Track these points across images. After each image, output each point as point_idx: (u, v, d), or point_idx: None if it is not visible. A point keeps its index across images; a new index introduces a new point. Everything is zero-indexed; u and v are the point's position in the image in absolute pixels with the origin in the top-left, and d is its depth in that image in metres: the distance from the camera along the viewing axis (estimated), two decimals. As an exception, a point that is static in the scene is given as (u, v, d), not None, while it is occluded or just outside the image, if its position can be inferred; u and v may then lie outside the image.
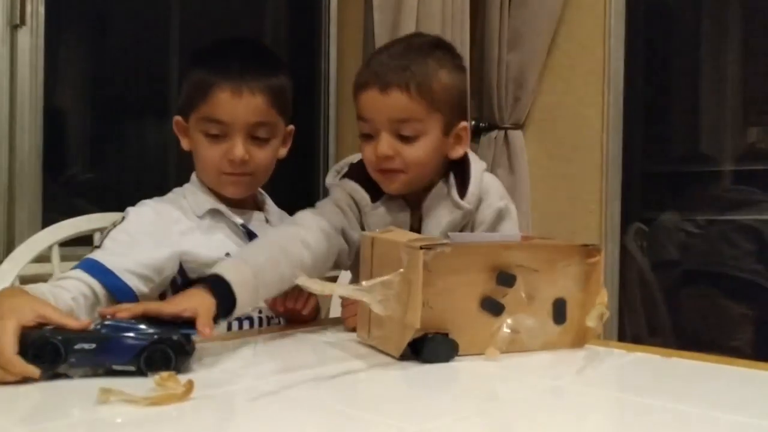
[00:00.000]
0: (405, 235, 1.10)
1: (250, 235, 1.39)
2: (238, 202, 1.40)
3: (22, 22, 1.61)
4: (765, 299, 2.34)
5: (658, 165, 2.60)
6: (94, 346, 0.90)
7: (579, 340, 1.10)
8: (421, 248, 0.98)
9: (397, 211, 1.33)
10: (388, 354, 1.03)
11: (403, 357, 1.01)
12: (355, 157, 1.42)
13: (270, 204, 1.48)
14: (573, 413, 0.85)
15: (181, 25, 2.14)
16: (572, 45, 2.37)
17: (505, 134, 2.37)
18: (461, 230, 1.33)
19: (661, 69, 2.62)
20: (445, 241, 1.02)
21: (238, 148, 1.31)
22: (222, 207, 1.37)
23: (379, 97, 1.26)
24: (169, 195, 1.40)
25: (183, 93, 1.38)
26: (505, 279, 1.04)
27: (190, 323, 0.98)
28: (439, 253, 0.99)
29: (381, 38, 2.14)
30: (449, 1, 2.21)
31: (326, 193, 1.42)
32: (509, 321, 1.05)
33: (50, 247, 1.48)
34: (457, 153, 1.33)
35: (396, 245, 1.03)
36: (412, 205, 1.34)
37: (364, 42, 2.20)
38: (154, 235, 1.30)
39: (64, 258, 1.52)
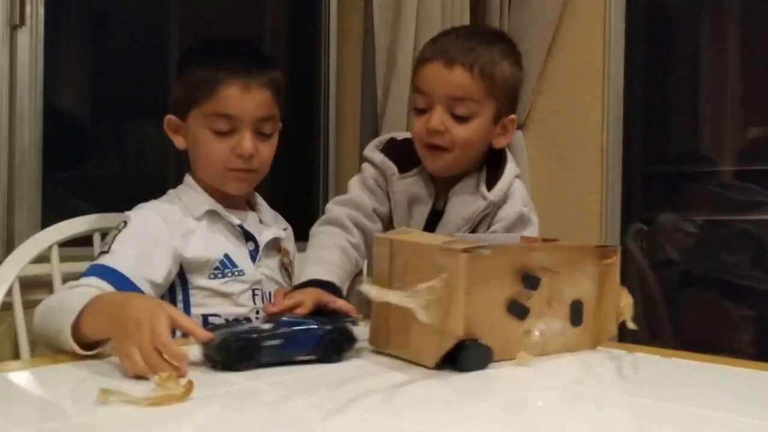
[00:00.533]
0: (427, 237, 1.07)
1: (247, 236, 1.39)
2: (233, 203, 1.41)
3: (22, 22, 1.61)
4: (765, 299, 2.34)
5: (658, 165, 2.60)
6: (280, 341, 0.98)
7: (594, 342, 1.11)
8: (463, 251, 0.93)
9: (423, 187, 1.38)
10: (410, 362, 0.99)
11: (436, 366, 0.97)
12: (399, 134, 1.47)
13: (262, 203, 1.49)
14: (578, 414, 0.85)
15: (181, 25, 2.14)
16: (572, 45, 2.37)
17: (505, 134, 2.37)
18: (480, 221, 1.36)
19: (661, 69, 2.62)
20: (483, 243, 0.97)
21: (248, 142, 1.32)
22: (219, 208, 1.37)
23: (443, 71, 1.30)
24: (166, 197, 1.40)
25: (178, 92, 1.38)
26: (531, 281, 1.01)
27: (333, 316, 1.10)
28: (476, 257, 0.94)
29: (381, 39, 2.14)
30: (449, 2, 2.21)
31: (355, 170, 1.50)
32: (540, 324, 1.02)
33: (50, 248, 1.48)
34: (500, 143, 1.39)
35: (424, 248, 0.98)
36: (439, 188, 1.39)
37: (364, 42, 2.19)
38: (160, 239, 1.29)
39: (64, 258, 1.52)
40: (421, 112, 1.33)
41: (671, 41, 2.66)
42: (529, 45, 2.35)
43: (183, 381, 0.82)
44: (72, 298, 1.06)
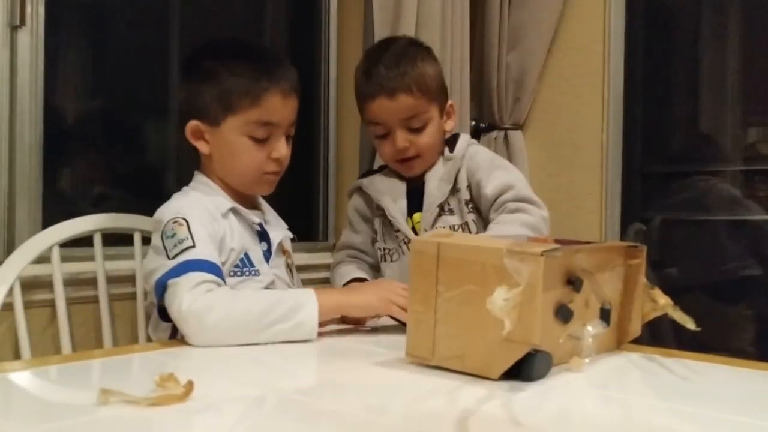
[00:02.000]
0: (477, 240, 1.05)
1: (262, 236, 1.39)
2: (244, 202, 1.41)
3: (22, 22, 1.61)
4: (765, 299, 2.34)
5: (658, 165, 2.60)
6: None
7: (618, 342, 1.11)
8: (542, 254, 0.87)
9: (392, 178, 1.64)
10: (451, 370, 0.94)
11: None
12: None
13: (264, 203, 1.50)
14: (573, 414, 0.85)
15: (181, 25, 2.14)
16: (572, 45, 2.37)
17: (505, 135, 2.37)
18: (456, 178, 1.57)
19: (661, 69, 2.62)
20: (554, 246, 0.93)
21: (285, 146, 1.37)
22: (238, 206, 1.38)
23: (388, 103, 1.51)
24: (192, 194, 1.38)
25: (208, 99, 1.34)
26: (576, 284, 0.97)
27: None
28: (550, 259, 0.89)
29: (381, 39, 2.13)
30: (449, 2, 2.20)
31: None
32: (591, 328, 1.01)
33: (51, 248, 1.48)
34: (450, 126, 1.63)
35: (485, 252, 0.92)
36: (411, 178, 1.62)
37: (364, 43, 2.19)
38: (215, 235, 1.30)
39: (64, 259, 1.52)
40: (383, 137, 1.56)
41: (671, 41, 2.66)
42: (529, 45, 2.35)
43: (183, 381, 0.82)
44: (281, 296, 1.22)
